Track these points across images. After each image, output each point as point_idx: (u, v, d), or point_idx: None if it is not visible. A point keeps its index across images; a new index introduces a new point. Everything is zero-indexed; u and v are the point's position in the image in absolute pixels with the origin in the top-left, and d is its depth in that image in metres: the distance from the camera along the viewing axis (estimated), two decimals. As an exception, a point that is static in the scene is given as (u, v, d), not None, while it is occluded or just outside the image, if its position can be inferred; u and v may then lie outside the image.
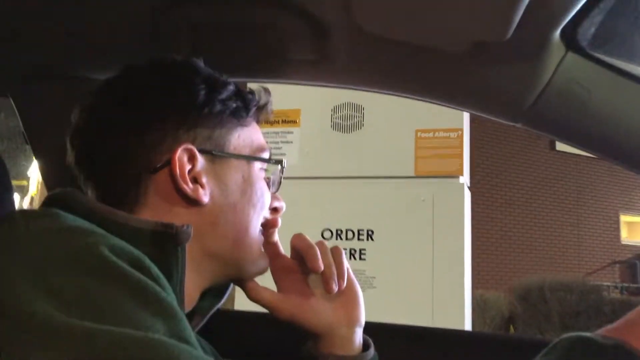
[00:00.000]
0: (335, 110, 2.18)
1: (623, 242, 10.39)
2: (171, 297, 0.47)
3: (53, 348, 0.39)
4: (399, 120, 2.10)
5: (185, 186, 0.60)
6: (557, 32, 0.65)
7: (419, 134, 2.10)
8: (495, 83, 0.71)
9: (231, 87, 0.66)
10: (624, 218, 10.44)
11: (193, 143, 0.61)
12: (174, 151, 0.60)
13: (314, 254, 0.68)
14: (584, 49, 0.70)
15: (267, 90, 0.70)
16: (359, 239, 2.04)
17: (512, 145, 9.31)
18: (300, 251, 0.69)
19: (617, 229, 10.33)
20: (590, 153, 0.68)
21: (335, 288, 0.68)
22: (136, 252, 0.47)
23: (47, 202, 0.58)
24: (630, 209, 10.44)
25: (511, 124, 0.73)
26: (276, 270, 0.72)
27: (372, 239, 2.04)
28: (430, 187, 2.04)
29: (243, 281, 0.69)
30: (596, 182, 10.04)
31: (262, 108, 0.70)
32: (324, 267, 0.68)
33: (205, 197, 0.61)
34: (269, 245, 0.71)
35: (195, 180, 0.61)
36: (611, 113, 0.67)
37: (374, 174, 2.09)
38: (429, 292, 1.99)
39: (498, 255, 8.94)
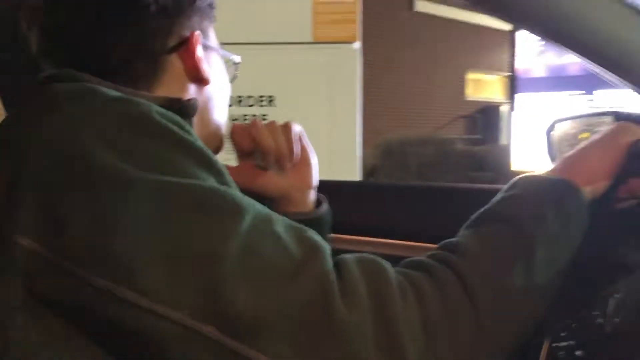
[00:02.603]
0: (229, -29, 2.09)
1: (467, 98, 11.41)
2: None
3: (127, 197, 0.44)
4: (296, -16, 2.08)
5: (201, 65, 0.66)
6: None
7: (316, -2, 2.12)
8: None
9: None
10: (470, 76, 11.37)
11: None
12: (186, 36, 0.65)
13: (268, 145, 0.75)
14: None
15: None
16: (260, 105, 2.10)
17: (375, 8, 9.46)
18: (258, 144, 0.76)
19: (463, 86, 11.27)
20: (516, 25, 0.78)
21: (288, 166, 0.78)
22: (177, 117, 0.52)
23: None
24: (476, 67, 11.36)
25: None
26: (235, 143, 0.79)
27: (273, 105, 2.10)
28: (328, 52, 2.11)
29: None
30: (449, 42, 10.68)
31: (214, 8, 0.74)
32: (275, 148, 0.76)
33: (211, 76, 0.68)
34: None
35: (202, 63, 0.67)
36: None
37: (272, 39, 2.10)
38: (326, 152, 2.14)
39: (362, 116, 9.43)
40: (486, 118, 11.14)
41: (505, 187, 0.64)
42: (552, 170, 0.66)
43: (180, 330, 0.42)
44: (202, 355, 0.43)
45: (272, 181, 0.79)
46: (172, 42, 0.64)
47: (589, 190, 0.63)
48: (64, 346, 0.45)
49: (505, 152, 5.18)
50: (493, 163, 5.99)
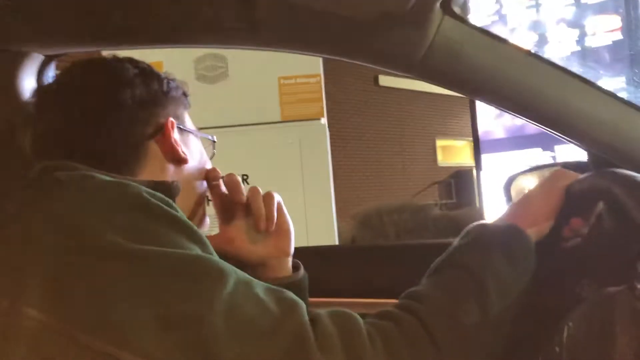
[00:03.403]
0: (198, 61, 2.22)
1: (440, 164, 11.69)
2: None
3: (122, 267, 0.50)
4: (262, 69, 2.21)
5: (178, 148, 0.73)
6: (438, 2, 0.84)
7: (281, 80, 2.24)
8: (393, 42, 0.88)
9: (175, 79, 0.80)
10: (439, 143, 11.72)
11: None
12: (162, 123, 0.72)
13: (239, 190, 0.82)
14: (455, 13, 0.89)
15: (186, 84, 0.84)
16: (235, 184, 2.16)
17: (341, 84, 9.82)
18: (228, 188, 0.83)
19: (434, 153, 11.59)
20: (471, 97, 0.87)
21: (263, 227, 0.82)
22: (163, 196, 0.58)
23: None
24: (444, 134, 11.73)
25: (406, 74, 0.91)
26: (219, 212, 0.85)
27: (247, 183, 2.17)
28: (297, 130, 2.22)
29: None
30: (415, 112, 11.08)
31: (187, 96, 0.83)
32: (254, 210, 0.82)
33: (189, 156, 0.75)
34: (215, 191, 0.84)
35: (179, 145, 0.74)
36: (478, 62, 0.88)
37: (243, 121, 2.20)
38: (303, 225, 2.20)
39: (335, 187, 9.57)
40: (459, 182, 11.40)
41: (459, 236, 0.71)
42: (499, 218, 0.74)
43: None
44: None
45: (252, 249, 0.83)
46: (149, 130, 0.71)
47: (533, 231, 0.70)
48: None
49: (479, 213, 5.29)
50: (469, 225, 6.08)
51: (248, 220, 0.83)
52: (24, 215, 0.56)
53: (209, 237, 0.81)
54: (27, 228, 0.53)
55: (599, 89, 0.84)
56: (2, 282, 0.51)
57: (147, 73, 0.75)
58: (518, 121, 3.97)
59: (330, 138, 2.46)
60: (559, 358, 0.64)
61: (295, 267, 0.88)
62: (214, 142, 0.87)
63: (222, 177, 0.84)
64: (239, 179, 0.85)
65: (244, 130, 2.22)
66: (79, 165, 0.63)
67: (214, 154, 0.87)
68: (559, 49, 3.61)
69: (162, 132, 0.72)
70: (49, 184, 0.58)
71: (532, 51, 0.90)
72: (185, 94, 0.80)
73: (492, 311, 0.60)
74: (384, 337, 0.55)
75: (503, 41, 0.86)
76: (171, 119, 0.74)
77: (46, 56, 0.89)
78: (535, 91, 0.84)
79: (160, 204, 0.56)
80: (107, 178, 0.59)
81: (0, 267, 0.52)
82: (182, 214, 0.58)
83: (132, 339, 0.47)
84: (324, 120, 2.27)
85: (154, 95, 0.73)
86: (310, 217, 2.18)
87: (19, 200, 0.61)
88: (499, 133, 4.14)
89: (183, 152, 0.74)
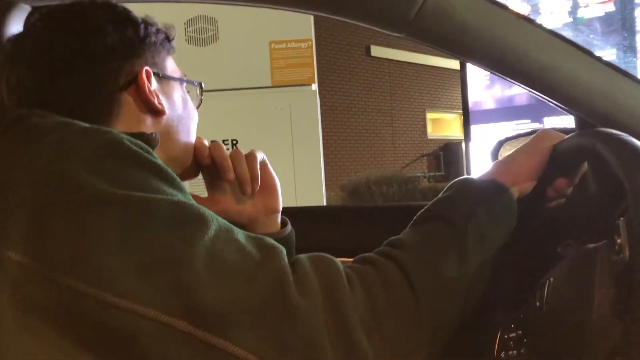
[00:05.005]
0: (188, 23, 2.19)
1: (429, 137, 11.73)
2: None
3: (104, 211, 0.50)
4: (253, 33, 2.19)
5: (152, 98, 0.70)
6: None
7: (272, 45, 2.22)
8: (384, 1, 0.87)
9: (155, 23, 0.76)
10: (430, 115, 11.73)
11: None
12: (136, 72, 0.70)
13: (226, 165, 0.80)
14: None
15: (173, 27, 0.81)
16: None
17: (333, 53, 9.75)
18: (216, 162, 0.81)
19: (424, 125, 11.61)
20: (462, 60, 0.87)
21: (249, 191, 0.82)
22: (143, 144, 0.58)
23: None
24: (434, 106, 11.74)
25: (396, 34, 0.91)
26: (205, 178, 0.85)
27: (236, 148, 2.16)
28: (287, 96, 2.21)
29: None
30: (406, 84, 11.05)
31: (172, 40, 0.80)
32: (238, 174, 0.81)
33: (166, 108, 0.73)
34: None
35: (155, 96, 0.72)
36: (471, 24, 0.88)
37: (233, 86, 2.19)
38: (292, 192, 2.21)
39: (325, 157, 9.58)
40: (448, 155, 11.48)
41: (443, 189, 0.72)
42: (484, 174, 0.75)
43: (156, 325, 0.47)
44: (177, 346, 0.48)
45: (240, 209, 0.83)
46: (121, 81, 0.69)
47: (516, 189, 0.71)
48: (53, 351, 0.49)
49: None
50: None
51: (234, 184, 0.83)
52: (3, 162, 0.55)
53: (197, 199, 0.80)
54: (6, 175, 0.53)
55: (591, 54, 0.84)
56: None
57: (122, 19, 0.71)
58: (508, 92, 3.98)
59: (321, 107, 2.45)
60: (539, 312, 0.65)
61: (283, 223, 0.88)
62: (202, 88, 0.84)
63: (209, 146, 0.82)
64: (225, 149, 0.83)
65: (234, 94, 2.21)
66: (54, 115, 0.62)
67: (201, 100, 0.84)
68: (552, 21, 3.59)
69: (135, 83, 0.70)
70: (26, 131, 0.57)
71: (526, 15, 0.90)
72: (168, 38, 0.77)
73: (470, 263, 0.61)
74: (362, 280, 0.55)
75: (496, 3, 0.86)
76: (147, 67, 0.71)
77: (33, 7, 0.87)
78: (527, 54, 0.84)
79: (141, 151, 0.56)
80: (85, 125, 0.58)
81: None
82: (161, 162, 0.58)
83: (114, 281, 0.47)
84: (314, 86, 2.26)
85: (128, 43, 0.70)
86: (300, 184, 2.19)
87: None
88: (489, 104, 4.15)
89: (160, 104, 0.72)
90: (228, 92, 2.19)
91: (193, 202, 0.56)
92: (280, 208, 0.87)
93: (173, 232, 0.51)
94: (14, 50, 0.70)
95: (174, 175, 0.57)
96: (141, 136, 0.65)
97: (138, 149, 0.56)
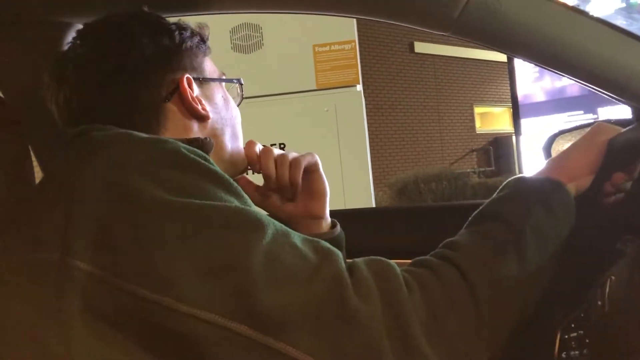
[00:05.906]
0: (233, 31, 2.23)
1: (478, 132, 11.50)
2: None
3: (165, 219, 0.51)
4: (297, 37, 2.21)
5: (196, 105, 0.72)
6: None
7: (316, 48, 2.23)
8: (429, 0, 0.87)
9: (188, 27, 0.77)
10: (477, 110, 11.50)
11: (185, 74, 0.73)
12: (177, 81, 0.71)
13: (269, 174, 0.80)
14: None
15: (207, 26, 0.82)
16: (272, 153, 2.19)
17: (376, 51, 9.70)
18: (262, 169, 0.81)
19: (472, 120, 11.39)
20: (511, 56, 0.86)
21: (288, 196, 0.83)
22: (200, 151, 0.60)
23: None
24: (482, 100, 11.50)
25: (442, 33, 0.90)
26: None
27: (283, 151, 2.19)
28: (332, 97, 2.21)
29: None
30: (452, 79, 10.87)
31: (207, 41, 0.81)
32: (278, 180, 0.81)
33: (210, 113, 0.74)
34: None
35: (198, 102, 0.73)
36: (518, 19, 0.86)
37: (279, 91, 2.21)
38: (340, 194, 2.22)
39: (372, 156, 9.54)
40: (498, 149, 11.22)
41: (498, 189, 0.71)
42: (539, 172, 0.73)
43: (217, 330, 0.49)
44: (237, 350, 0.49)
45: (281, 208, 0.84)
46: (164, 91, 0.71)
47: (572, 185, 0.69)
48: (122, 356, 0.51)
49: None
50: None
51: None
52: (68, 174, 0.58)
53: (249, 186, 0.81)
54: (72, 185, 0.55)
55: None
56: (51, 238, 0.53)
57: (156, 28, 0.73)
58: (558, 83, 3.86)
59: (366, 106, 2.45)
60: (602, 311, 0.64)
61: (332, 225, 0.88)
62: (242, 85, 0.85)
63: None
64: (273, 155, 0.83)
65: (280, 99, 2.23)
66: (114, 127, 0.64)
67: (242, 97, 0.85)
68: (603, 7, 3.47)
69: (178, 92, 0.72)
70: (88, 144, 0.60)
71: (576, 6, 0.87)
72: (203, 40, 0.78)
73: (529, 263, 0.60)
74: (420, 284, 0.55)
75: (543, -4, 0.84)
76: (187, 75, 0.73)
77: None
78: (578, 47, 0.82)
79: (198, 158, 0.58)
80: (143, 135, 0.60)
81: (48, 224, 0.55)
82: (218, 168, 0.59)
83: (175, 287, 0.49)
84: (359, 87, 2.26)
85: (165, 53, 0.72)
86: (347, 185, 2.19)
87: (61, 161, 0.62)
88: (539, 96, 4.03)
89: (204, 109, 0.73)
90: (274, 97, 2.22)
91: (251, 206, 0.58)
92: (325, 214, 0.87)
93: (231, 237, 0.52)
94: (58, 71, 0.72)
95: (231, 181, 0.58)
96: (196, 142, 0.67)
97: (195, 157, 0.58)
